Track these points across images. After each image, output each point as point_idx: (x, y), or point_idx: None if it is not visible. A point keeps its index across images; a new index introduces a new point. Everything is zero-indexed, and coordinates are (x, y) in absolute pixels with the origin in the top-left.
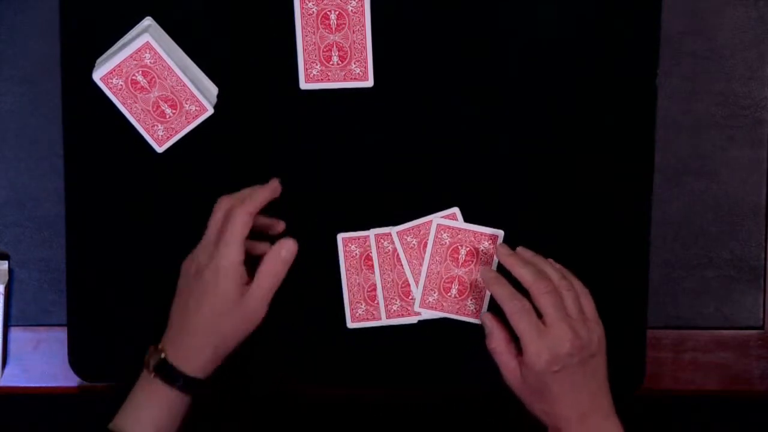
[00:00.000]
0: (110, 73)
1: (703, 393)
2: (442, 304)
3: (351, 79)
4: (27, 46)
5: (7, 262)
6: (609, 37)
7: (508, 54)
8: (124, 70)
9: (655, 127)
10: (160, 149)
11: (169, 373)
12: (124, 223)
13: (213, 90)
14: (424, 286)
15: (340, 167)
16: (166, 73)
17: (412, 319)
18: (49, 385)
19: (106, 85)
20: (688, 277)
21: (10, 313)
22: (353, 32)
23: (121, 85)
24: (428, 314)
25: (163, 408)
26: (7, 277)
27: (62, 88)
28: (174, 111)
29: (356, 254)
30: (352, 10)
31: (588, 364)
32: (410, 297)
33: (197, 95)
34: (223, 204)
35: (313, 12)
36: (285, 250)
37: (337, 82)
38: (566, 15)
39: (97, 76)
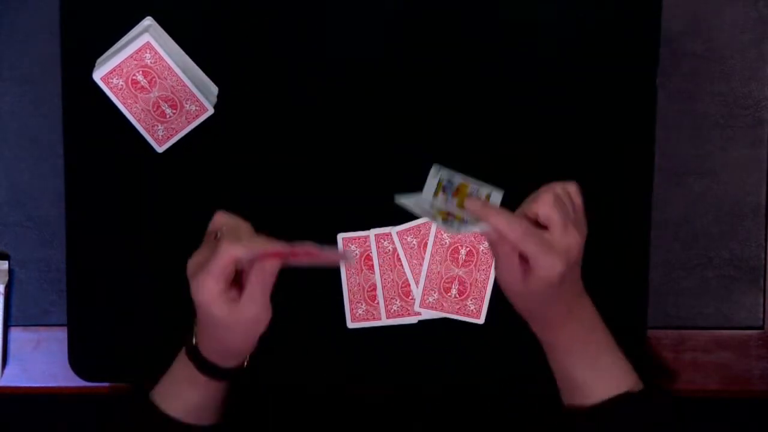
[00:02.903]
0: (110, 72)
1: (703, 393)
2: (442, 304)
3: None
4: (27, 46)
5: (7, 262)
6: (609, 37)
7: (507, 54)
8: (124, 70)
9: (655, 127)
10: (160, 149)
11: (200, 361)
12: (124, 223)
13: (213, 90)
14: (424, 286)
15: (340, 167)
16: (166, 73)
17: (412, 319)
18: (49, 385)
19: (107, 85)
20: (688, 277)
21: (10, 313)
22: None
23: (121, 85)
24: (428, 314)
25: (195, 388)
26: (7, 277)
27: (62, 88)
28: (174, 111)
29: (356, 254)
30: None
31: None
32: (410, 297)
33: (197, 95)
34: (217, 222)
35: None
36: (269, 265)
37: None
38: (566, 15)
39: (97, 76)
